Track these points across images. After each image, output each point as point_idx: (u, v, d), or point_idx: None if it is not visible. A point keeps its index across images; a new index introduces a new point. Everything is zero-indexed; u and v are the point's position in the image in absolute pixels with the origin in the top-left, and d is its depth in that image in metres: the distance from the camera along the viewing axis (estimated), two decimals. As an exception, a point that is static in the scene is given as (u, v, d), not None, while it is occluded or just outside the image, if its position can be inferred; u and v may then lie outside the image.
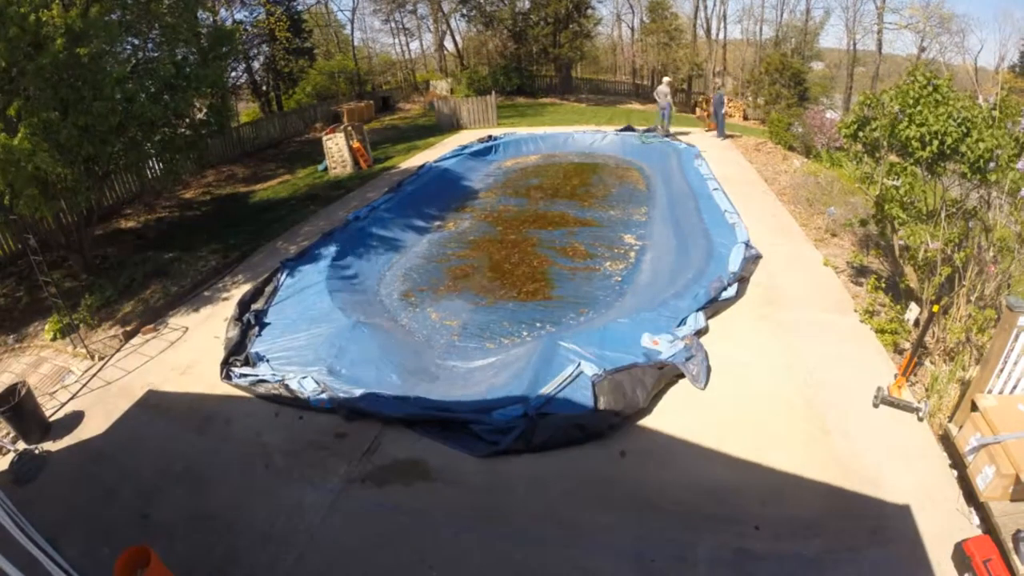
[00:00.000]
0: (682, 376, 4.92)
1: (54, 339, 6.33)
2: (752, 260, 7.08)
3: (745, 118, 23.58)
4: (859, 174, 5.84)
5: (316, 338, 5.92)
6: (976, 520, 3.46)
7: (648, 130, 15.70)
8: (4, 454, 4.70)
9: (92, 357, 6.02)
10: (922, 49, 29.26)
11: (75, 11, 6.05)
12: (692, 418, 4.56)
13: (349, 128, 14.32)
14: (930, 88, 4.87)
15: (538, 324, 6.65)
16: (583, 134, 16.59)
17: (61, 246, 8.06)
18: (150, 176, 12.12)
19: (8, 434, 4.81)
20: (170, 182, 11.61)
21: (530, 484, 4.03)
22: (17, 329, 6.70)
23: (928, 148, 4.73)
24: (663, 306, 6.01)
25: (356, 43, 33.59)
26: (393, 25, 36.36)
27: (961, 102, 4.75)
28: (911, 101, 4.86)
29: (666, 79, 15.94)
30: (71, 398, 5.38)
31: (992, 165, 4.47)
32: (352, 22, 34.28)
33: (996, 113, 4.57)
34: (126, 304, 7.13)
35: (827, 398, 4.66)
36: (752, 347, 5.43)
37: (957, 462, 3.85)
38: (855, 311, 5.91)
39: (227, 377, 5.42)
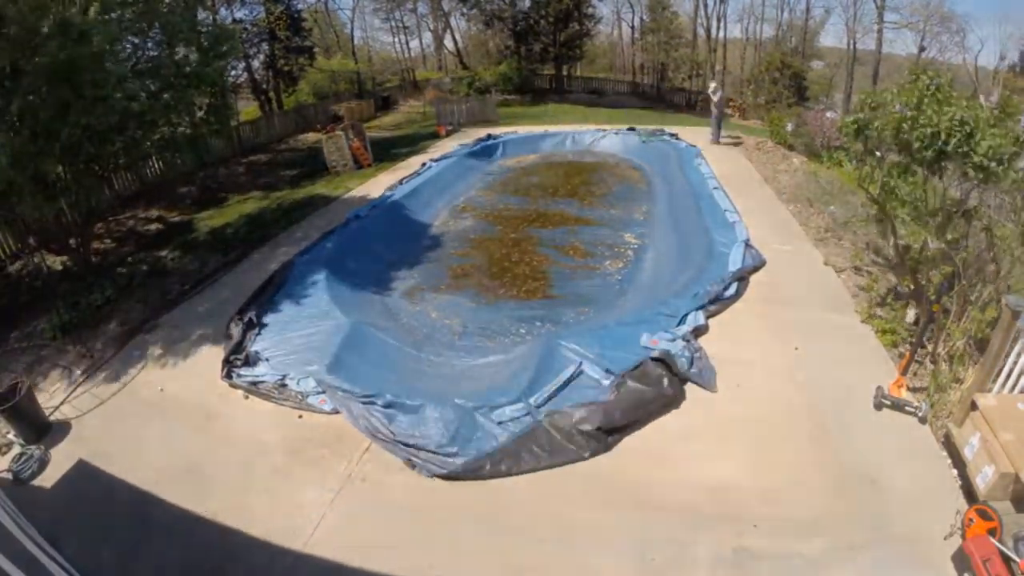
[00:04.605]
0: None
1: (54, 338, 6.32)
2: (753, 267, 6.98)
3: (744, 117, 23.58)
4: (861, 175, 5.83)
5: (316, 337, 5.91)
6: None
7: (655, 131, 15.69)
8: (4, 453, 4.70)
9: (92, 356, 6.01)
10: (922, 48, 29.27)
11: (75, 9, 6.04)
12: (692, 417, 4.56)
13: (349, 127, 14.31)
14: (933, 88, 4.86)
15: (538, 323, 6.65)
16: (583, 133, 16.57)
17: (61, 245, 8.05)
18: (150, 175, 12.13)
19: (8, 433, 4.81)
20: (170, 181, 11.54)
21: (530, 483, 4.03)
22: (17, 328, 6.69)
23: (931, 148, 4.73)
24: (663, 305, 6.02)
25: (356, 42, 33.59)
26: (393, 24, 36.42)
27: (965, 101, 4.74)
28: (915, 101, 4.85)
29: (712, 83, 16.34)
30: (70, 396, 5.37)
31: (994, 165, 4.47)
32: (352, 20, 34.20)
33: (997, 112, 4.57)
34: (126, 303, 7.12)
35: (827, 398, 4.66)
36: (752, 346, 5.43)
37: (957, 462, 3.85)
38: (855, 311, 5.91)
39: (227, 376, 5.41)
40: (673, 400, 4.64)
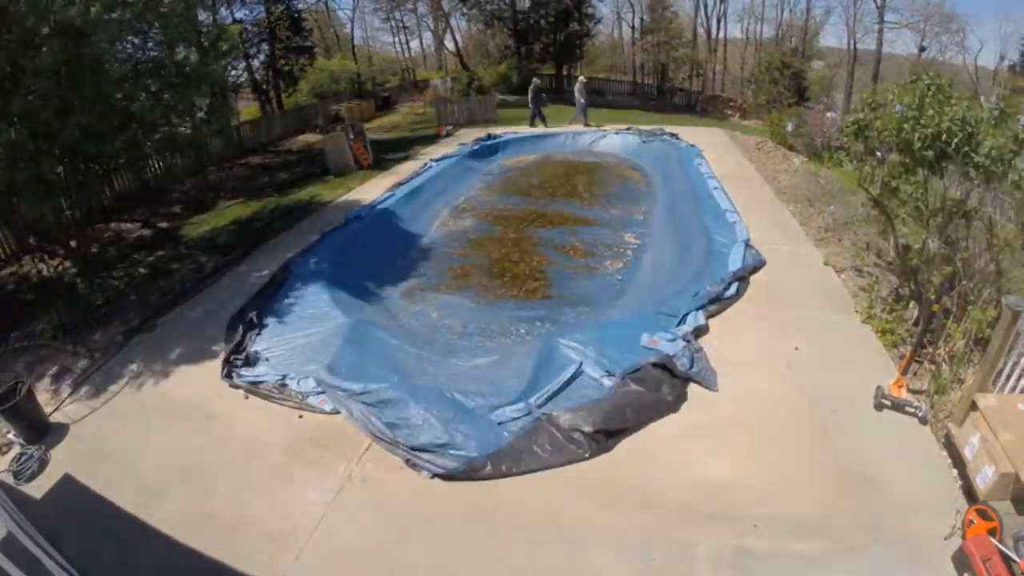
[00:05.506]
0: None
1: (54, 338, 6.32)
2: (754, 267, 6.97)
3: (744, 117, 23.59)
4: (861, 175, 5.83)
5: (316, 337, 5.91)
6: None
7: (655, 131, 15.68)
8: (4, 453, 4.70)
9: (91, 355, 6.01)
10: (922, 48, 29.28)
11: (75, 10, 6.03)
12: (692, 417, 4.56)
13: (349, 127, 14.31)
14: (934, 89, 4.86)
15: (538, 323, 6.65)
16: (583, 133, 16.59)
17: (61, 245, 8.05)
18: (149, 174, 12.10)
19: (8, 433, 4.81)
20: (170, 182, 11.50)
21: (530, 483, 4.03)
22: (17, 327, 6.69)
23: (933, 148, 4.73)
24: (663, 305, 6.01)
25: (356, 42, 33.61)
26: (393, 24, 36.44)
27: (966, 102, 4.75)
28: (916, 102, 4.85)
29: (581, 79, 18.15)
30: (70, 396, 5.38)
31: (995, 166, 4.47)
32: (352, 20, 34.22)
33: (998, 112, 4.57)
34: (125, 303, 7.12)
35: (827, 398, 4.66)
36: (752, 346, 5.43)
37: (957, 462, 3.85)
38: (856, 311, 5.91)
39: (227, 376, 5.41)
40: (672, 405, 4.63)
